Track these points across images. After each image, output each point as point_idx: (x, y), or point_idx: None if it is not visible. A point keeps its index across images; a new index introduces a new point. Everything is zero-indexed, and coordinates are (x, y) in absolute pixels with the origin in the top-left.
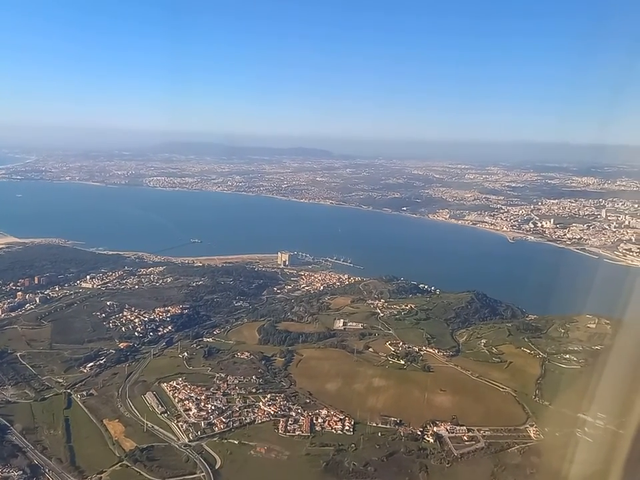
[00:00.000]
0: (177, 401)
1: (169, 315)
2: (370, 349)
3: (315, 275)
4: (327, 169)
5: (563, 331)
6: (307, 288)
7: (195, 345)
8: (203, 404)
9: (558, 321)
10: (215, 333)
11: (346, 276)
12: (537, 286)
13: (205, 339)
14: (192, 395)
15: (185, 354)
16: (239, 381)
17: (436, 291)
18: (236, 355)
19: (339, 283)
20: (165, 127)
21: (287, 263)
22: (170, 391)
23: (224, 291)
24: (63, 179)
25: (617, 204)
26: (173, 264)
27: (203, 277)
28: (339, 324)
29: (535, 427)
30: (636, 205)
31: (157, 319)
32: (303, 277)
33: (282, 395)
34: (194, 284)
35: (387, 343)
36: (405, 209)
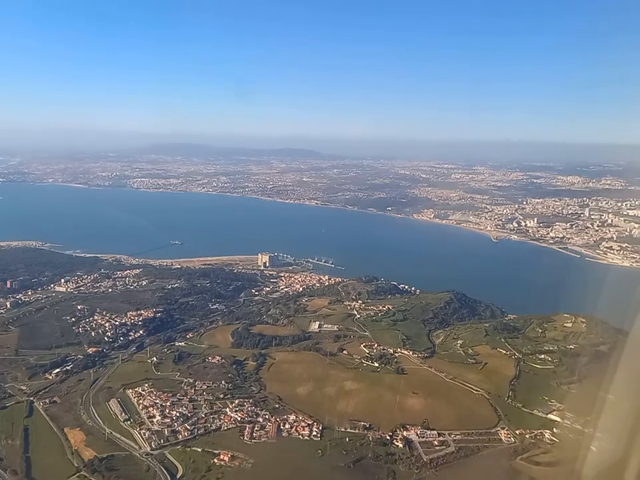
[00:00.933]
0: (141, 407)
1: (141, 318)
2: (344, 352)
3: (295, 276)
4: (314, 169)
5: (540, 330)
6: (285, 289)
7: (165, 350)
8: (167, 411)
9: (536, 320)
10: (187, 336)
11: (326, 277)
12: (517, 285)
13: (177, 343)
14: (157, 401)
15: (154, 359)
16: (208, 386)
17: (416, 291)
18: (207, 360)
19: (318, 284)
20: (152, 129)
21: (267, 265)
22: (135, 397)
23: (200, 294)
24: (45, 180)
25: (601, 202)
26: (151, 266)
27: (179, 279)
28: (315, 326)
29: (507, 430)
30: (619, 204)
31: (128, 323)
32: (283, 278)
33: (250, 401)
34: (169, 287)
35: (362, 345)
36: (389, 208)
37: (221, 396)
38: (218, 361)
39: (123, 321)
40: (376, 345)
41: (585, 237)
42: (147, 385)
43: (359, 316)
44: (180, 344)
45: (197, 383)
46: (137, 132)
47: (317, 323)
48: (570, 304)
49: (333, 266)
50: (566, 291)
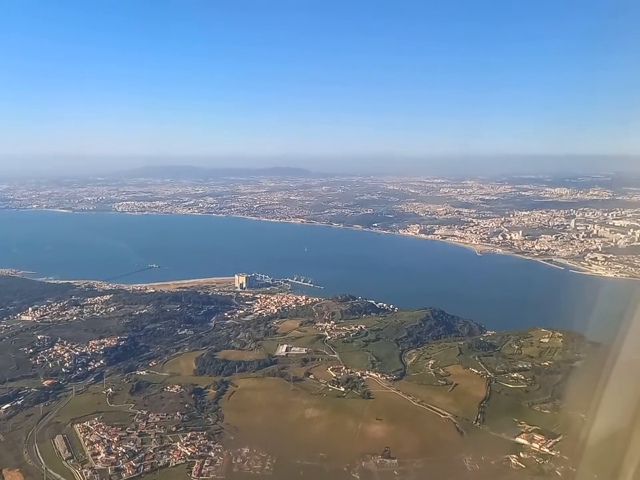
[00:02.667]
0: (86, 444)
1: (103, 347)
2: (311, 376)
3: (272, 298)
4: (302, 187)
5: (516, 347)
6: (260, 312)
7: (124, 380)
8: (114, 447)
9: (513, 336)
10: (150, 365)
11: (304, 297)
12: (498, 300)
13: (137, 372)
14: (104, 436)
15: (110, 390)
16: (161, 419)
17: (394, 309)
18: (165, 389)
19: (294, 305)
20: (143, 152)
21: (244, 286)
22: (82, 433)
23: (169, 319)
24: (30, 207)
25: (587, 213)
26: (123, 292)
27: (148, 304)
28: (282, 350)
29: (471, 457)
30: (605, 214)
31: (89, 352)
32: (259, 300)
33: (204, 433)
34: (137, 312)
35: (329, 369)
36: (375, 225)
37: (173, 429)
38: (177, 390)
39: (84, 350)
40: (343, 368)
41: (570, 249)
42: (96, 418)
43: (329, 337)
44: (141, 373)
45: (150, 415)
46: (127, 155)
47: (285, 346)
48: (549, 318)
49: (312, 285)
50: (546, 304)
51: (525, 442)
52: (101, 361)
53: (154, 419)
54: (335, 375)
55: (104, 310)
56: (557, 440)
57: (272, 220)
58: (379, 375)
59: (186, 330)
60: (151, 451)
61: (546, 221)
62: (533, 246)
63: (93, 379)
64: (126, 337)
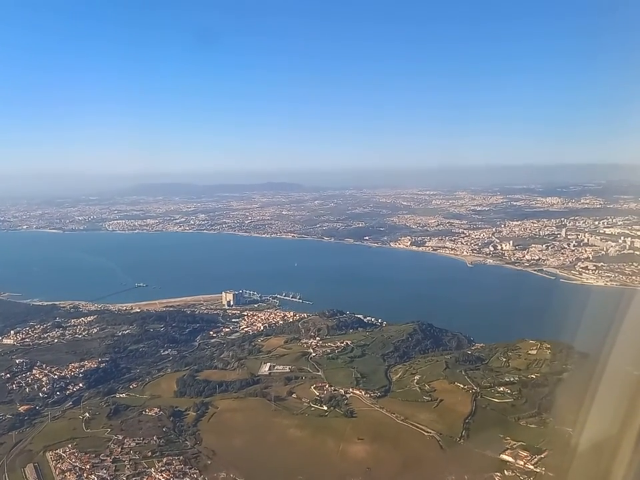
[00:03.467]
0: (57, 472)
1: (82, 370)
2: (293, 395)
3: (259, 315)
4: (295, 202)
5: (504, 359)
6: (246, 329)
7: (102, 403)
8: (86, 475)
9: (501, 349)
10: (131, 387)
11: (291, 313)
12: (487, 311)
13: (117, 395)
14: (77, 464)
15: (87, 414)
16: (137, 443)
17: (382, 323)
18: (144, 412)
19: (282, 322)
20: (136, 170)
21: (231, 303)
22: (54, 461)
23: (152, 339)
24: (20, 228)
25: (578, 222)
26: (109, 312)
27: (131, 324)
28: (265, 368)
29: (454, 476)
30: (596, 222)
31: (68, 375)
32: (246, 317)
33: (180, 458)
34: (120, 333)
35: (312, 387)
36: (367, 238)
37: (149, 454)
38: (155, 413)
39: (63, 373)
40: (327, 386)
41: (561, 258)
42: (70, 445)
43: (314, 354)
44: (121, 395)
45: (125, 440)
46: (120, 174)
47: (268, 364)
48: (538, 328)
49: (301, 301)
50: (535, 314)
51: (510, 459)
52: (80, 384)
53: (129, 444)
54: (317, 394)
55: (87, 331)
56: (542, 456)
57: (263, 235)
58: (363, 392)
59: (169, 350)
60: (124, 479)
61: (537, 230)
62: (524, 256)
63: (70, 403)
64: (107, 359)
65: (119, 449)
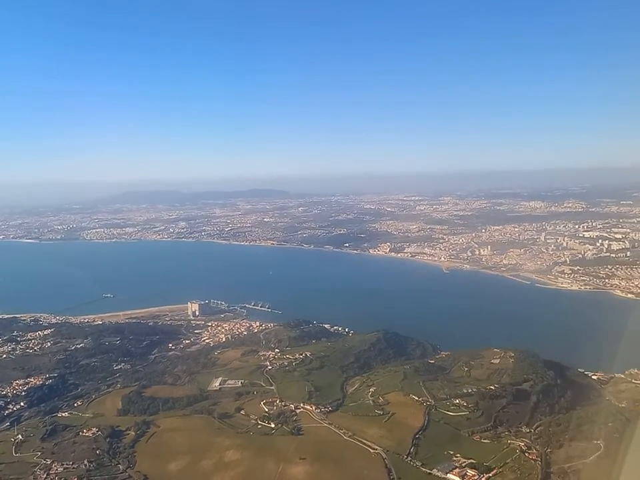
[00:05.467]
0: None
1: (26, 387)
2: (242, 412)
3: (224, 325)
4: (279, 208)
5: (466, 369)
6: (208, 341)
7: (40, 424)
8: None
9: (464, 357)
10: (75, 405)
11: (257, 323)
12: (456, 318)
13: (59, 414)
14: None
15: (20, 436)
16: (65, 469)
17: (349, 333)
18: (81, 433)
19: (246, 332)
20: (123, 178)
21: (197, 314)
22: None
23: (106, 353)
24: None
25: (559, 226)
26: (69, 324)
27: (86, 338)
28: (216, 384)
29: None
30: (577, 226)
31: (9, 394)
32: (210, 328)
33: None
34: (73, 347)
35: (262, 403)
36: (347, 245)
37: None
38: (93, 433)
39: (5, 392)
40: (277, 401)
41: (539, 262)
42: None
43: (270, 367)
44: (63, 414)
45: (53, 465)
46: (107, 182)
47: (219, 379)
48: (505, 336)
49: (270, 310)
50: (505, 321)
51: (457, 479)
52: (22, 403)
53: (56, 470)
54: (267, 410)
55: (39, 346)
56: (490, 475)
57: (242, 243)
58: (314, 407)
59: (123, 364)
60: None
61: (517, 235)
62: (501, 260)
63: (7, 424)
64: (55, 375)
65: (44, 475)
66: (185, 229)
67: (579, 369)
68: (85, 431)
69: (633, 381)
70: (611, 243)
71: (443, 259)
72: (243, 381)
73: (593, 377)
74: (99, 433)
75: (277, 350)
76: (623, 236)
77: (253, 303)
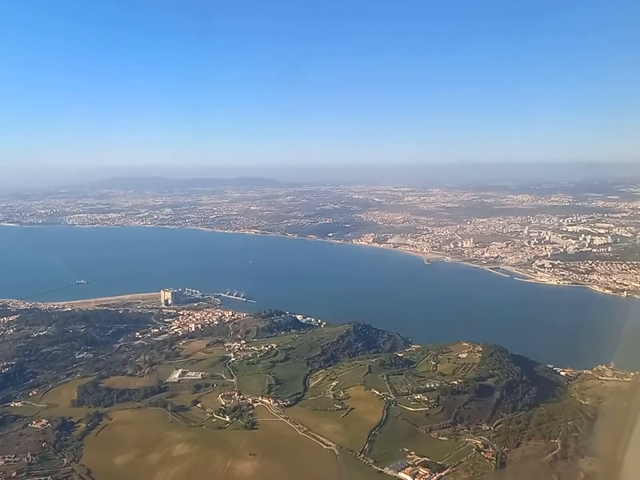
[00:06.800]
0: None
1: None
2: (198, 405)
3: (195, 314)
4: (267, 197)
5: (433, 363)
6: (176, 330)
7: None
8: None
9: (433, 351)
10: (30, 395)
11: (230, 313)
12: (431, 311)
13: (12, 404)
14: None
15: None
16: (6, 462)
17: (321, 324)
18: (30, 424)
19: (217, 322)
20: (114, 163)
21: (169, 302)
22: None
23: (69, 341)
24: None
25: (543, 220)
26: (37, 311)
27: (50, 325)
28: (175, 375)
29: None
30: (561, 220)
31: None
32: (180, 317)
33: (48, 479)
34: (35, 334)
35: (220, 396)
36: (330, 234)
37: (14, 474)
38: (42, 425)
39: None
40: (236, 395)
41: (520, 256)
42: None
43: (234, 359)
44: (16, 404)
45: None
46: (97, 167)
47: (179, 371)
48: (478, 330)
49: (245, 300)
50: (478, 315)
51: (408, 478)
52: None
53: None
54: (224, 403)
55: (1, 332)
56: (443, 474)
57: (226, 231)
58: (272, 401)
59: (85, 353)
60: None
61: (501, 227)
62: (483, 253)
63: None
64: (13, 363)
65: None
66: (169, 216)
67: (548, 365)
68: (34, 422)
69: (600, 377)
70: (593, 237)
71: (425, 250)
72: (203, 373)
73: (561, 373)
74: (49, 424)
75: (243, 341)
76: (606, 231)
77: (228, 292)
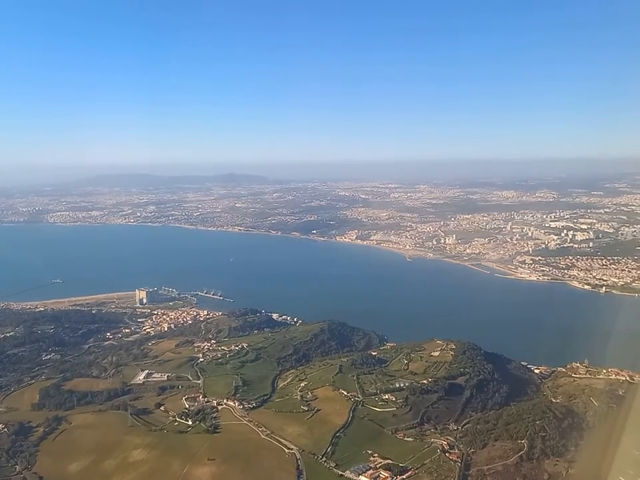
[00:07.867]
0: None
1: None
2: (162, 407)
3: (170, 314)
4: (254, 194)
5: (406, 361)
6: (149, 330)
7: None
8: None
9: (406, 349)
10: None
11: (205, 312)
12: (410, 308)
13: None
14: None
15: None
16: None
17: (297, 322)
18: None
19: (191, 322)
20: (100, 160)
21: (144, 302)
22: None
23: (36, 342)
24: None
25: (527, 216)
26: (8, 311)
27: (18, 326)
28: (140, 377)
29: None
30: (544, 216)
31: None
32: (154, 316)
33: None
34: (2, 335)
35: (184, 398)
36: (314, 232)
37: None
38: None
39: None
40: (201, 397)
41: (501, 252)
42: None
43: (202, 359)
44: None
45: None
46: (83, 165)
47: (145, 372)
48: (453, 327)
49: (222, 298)
50: (454, 312)
51: None
52: None
53: None
54: (187, 406)
55: None
56: (405, 477)
57: (209, 229)
58: (237, 404)
59: (52, 354)
60: None
61: (484, 224)
62: (465, 250)
63: None
64: None
65: None
66: (152, 213)
67: (522, 362)
68: None
69: (573, 375)
70: (575, 233)
71: (407, 247)
72: (169, 374)
73: (535, 370)
74: (5, 429)
75: (213, 341)
76: (589, 226)
77: (205, 291)
